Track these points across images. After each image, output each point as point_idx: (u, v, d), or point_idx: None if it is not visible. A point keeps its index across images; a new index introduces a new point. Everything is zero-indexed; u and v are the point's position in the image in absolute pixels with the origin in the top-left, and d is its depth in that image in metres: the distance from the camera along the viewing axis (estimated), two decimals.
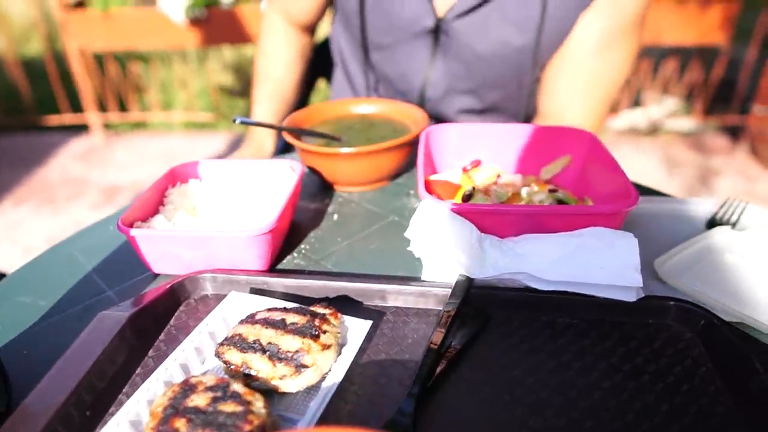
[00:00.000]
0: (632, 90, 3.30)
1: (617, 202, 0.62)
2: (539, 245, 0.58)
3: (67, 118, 3.39)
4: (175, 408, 0.43)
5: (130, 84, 3.43)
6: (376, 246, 0.70)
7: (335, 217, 0.77)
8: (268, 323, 0.50)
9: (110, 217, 0.79)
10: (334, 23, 1.25)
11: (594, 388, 0.49)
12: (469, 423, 0.47)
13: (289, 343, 0.48)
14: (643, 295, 0.55)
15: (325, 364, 0.48)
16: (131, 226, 0.64)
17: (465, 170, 0.78)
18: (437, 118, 1.18)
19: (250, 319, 0.52)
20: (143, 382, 0.48)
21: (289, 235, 0.73)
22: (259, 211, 0.69)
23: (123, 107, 3.49)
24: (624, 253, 0.55)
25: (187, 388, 0.45)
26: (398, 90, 1.14)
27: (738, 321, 0.56)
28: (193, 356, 0.52)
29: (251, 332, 0.50)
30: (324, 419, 0.45)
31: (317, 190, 0.84)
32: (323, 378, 0.49)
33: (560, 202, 0.67)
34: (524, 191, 0.69)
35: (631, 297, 0.54)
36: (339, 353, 0.50)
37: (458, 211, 0.60)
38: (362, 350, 0.53)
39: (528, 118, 1.18)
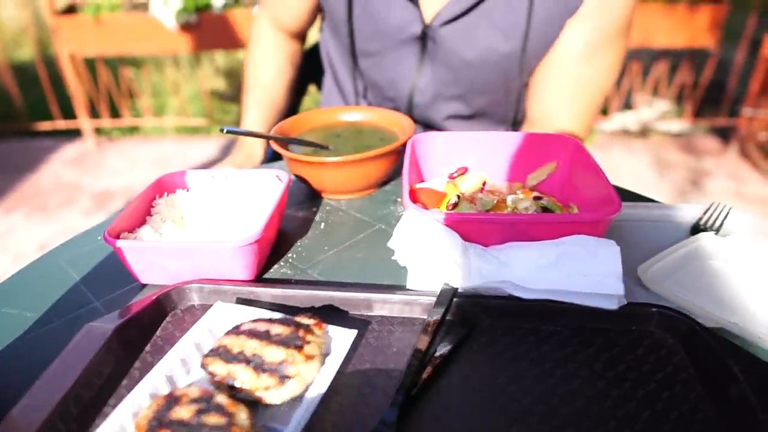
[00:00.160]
0: (623, 92, 3.32)
1: (601, 210, 0.63)
2: (522, 253, 0.59)
3: (59, 123, 3.38)
4: (160, 420, 0.43)
5: (122, 89, 3.42)
6: (362, 255, 0.70)
7: (322, 225, 0.77)
8: (252, 334, 0.51)
9: (98, 226, 0.80)
10: (322, 30, 1.25)
11: (576, 395, 0.50)
12: (452, 431, 0.47)
13: (273, 354, 0.48)
14: (625, 303, 0.56)
15: (309, 374, 0.48)
16: (118, 236, 0.64)
17: (452, 177, 0.78)
18: (426, 124, 1.18)
19: (235, 330, 0.52)
20: (129, 393, 0.48)
21: (277, 243, 0.73)
22: (247, 220, 0.69)
23: (115, 112, 3.48)
24: (606, 261, 0.56)
25: (172, 400, 0.45)
26: (387, 96, 1.15)
27: (719, 327, 0.57)
28: (178, 368, 0.52)
29: (236, 343, 0.50)
30: (308, 430, 0.46)
31: (305, 198, 0.85)
32: (307, 388, 0.49)
33: (545, 209, 0.67)
34: (510, 199, 0.70)
35: (612, 305, 0.55)
36: (323, 363, 0.50)
37: (441, 221, 0.61)
38: (347, 360, 0.54)
39: (516, 124, 1.19)
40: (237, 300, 0.62)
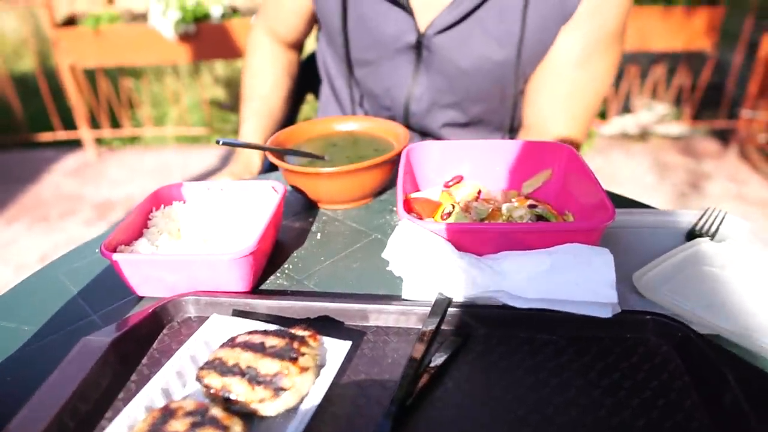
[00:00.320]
0: (622, 96, 3.32)
1: (595, 218, 0.63)
2: (516, 262, 0.59)
3: (60, 134, 3.40)
4: None
5: (122, 99, 3.43)
6: (358, 265, 0.70)
7: (318, 235, 0.77)
8: (247, 346, 0.51)
9: (96, 239, 0.80)
10: (319, 40, 1.26)
11: (571, 404, 0.50)
12: None
13: (267, 366, 0.49)
14: (619, 311, 0.56)
15: (304, 386, 0.49)
16: (115, 250, 0.65)
17: (447, 186, 0.78)
18: (422, 132, 1.19)
19: (230, 343, 0.52)
20: (125, 407, 0.49)
21: (273, 254, 0.73)
22: (243, 232, 0.70)
23: (115, 123, 3.50)
24: (600, 270, 0.56)
25: (167, 413, 0.46)
26: (383, 105, 1.16)
27: (714, 333, 0.57)
28: (174, 380, 0.52)
29: (231, 356, 0.50)
30: None
31: (301, 208, 0.85)
32: (302, 400, 0.49)
33: (540, 217, 0.68)
34: (505, 207, 0.70)
35: (606, 313, 0.55)
36: (318, 375, 0.50)
37: (435, 231, 0.61)
38: (342, 371, 0.54)
39: (513, 130, 1.19)
40: (233, 312, 0.62)
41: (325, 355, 0.53)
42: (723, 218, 0.75)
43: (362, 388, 0.52)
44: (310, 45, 1.32)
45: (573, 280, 0.56)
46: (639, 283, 0.63)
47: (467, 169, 0.80)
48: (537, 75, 1.05)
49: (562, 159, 0.77)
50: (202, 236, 0.70)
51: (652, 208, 0.82)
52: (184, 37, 2.90)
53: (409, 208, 0.71)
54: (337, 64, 1.19)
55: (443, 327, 0.59)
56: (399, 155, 0.78)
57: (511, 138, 1.20)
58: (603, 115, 3.38)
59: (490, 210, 0.70)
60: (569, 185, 0.75)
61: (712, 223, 0.75)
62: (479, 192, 0.76)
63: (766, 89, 2.91)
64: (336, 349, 0.53)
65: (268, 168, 1.18)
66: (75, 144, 3.46)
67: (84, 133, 3.34)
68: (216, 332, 0.57)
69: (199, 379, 0.50)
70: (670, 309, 0.60)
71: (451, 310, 0.58)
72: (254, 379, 0.48)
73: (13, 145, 3.51)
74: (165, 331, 0.61)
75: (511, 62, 1.01)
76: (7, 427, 0.46)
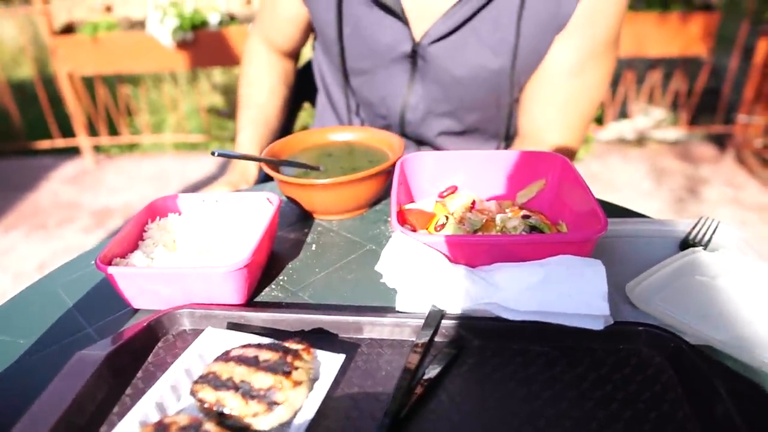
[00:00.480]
0: (618, 101, 3.34)
1: (587, 229, 0.63)
2: (509, 274, 0.59)
3: (58, 141, 3.40)
4: None
5: (120, 107, 3.44)
6: (353, 276, 0.71)
7: (314, 246, 0.78)
8: (241, 360, 0.51)
9: (92, 251, 0.80)
10: (315, 48, 1.27)
11: (564, 417, 0.50)
12: None
13: (261, 380, 0.49)
14: (611, 323, 0.56)
15: (297, 400, 0.49)
16: (110, 262, 0.65)
17: (441, 196, 0.79)
18: (418, 141, 1.19)
19: (224, 357, 0.52)
20: (119, 421, 0.49)
21: (268, 266, 0.74)
22: (238, 243, 0.70)
23: (113, 130, 3.50)
24: (592, 281, 0.56)
25: (161, 428, 0.46)
26: (379, 113, 1.16)
27: (706, 344, 0.57)
28: (168, 395, 0.52)
29: (225, 370, 0.51)
30: None
31: (296, 219, 0.85)
32: (296, 414, 0.49)
33: (533, 228, 0.68)
34: (498, 218, 0.70)
35: (599, 325, 0.55)
36: (311, 389, 0.51)
37: (428, 243, 0.61)
38: (336, 384, 0.54)
39: (509, 139, 1.20)
40: (228, 324, 0.62)
41: (319, 369, 0.53)
42: (716, 227, 0.76)
43: (356, 401, 0.52)
44: (307, 53, 1.33)
45: (566, 291, 0.56)
46: (632, 293, 0.63)
47: (462, 179, 0.81)
48: (532, 84, 1.06)
49: (556, 169, 0.77)
50: (197, 248, 0.70)
51: (647, 217, 0.82)
52: (182, 45, 2.91)
53: (403, 219, 0.71)
54: (332, 73, 1.20)
55: (437, 339, 0.59)
56: (393, 166, 0.78)
57: (507, 146, 1.20)
58: (600, 120, 3.39)
59: (483, 221, 0.70)
60: (563, 195, 0.75)
61: (705, 233, 0.75)
62: (473, 202, 0.76)
63: (762, 94, 2.93)
64: (330, 363, 0.53)
65: (265, 177, 1.18)
66: (73, 151, 3.47)
67: (82, 140, 3.35)
68: (210, 345, 0.57)
69: (193, 393, 0.50)
70: (662, 320, 0.60)
71: (444, 322, 0.59)
72: (248, 393, 0.48)
73: (11, 152, 3.52)
74: (160, 344, 0.61)
75: (506, 71, 1.02)
76: None
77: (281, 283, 0.71)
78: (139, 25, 3.05)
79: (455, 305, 0.59)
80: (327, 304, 0.66)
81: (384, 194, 0.87)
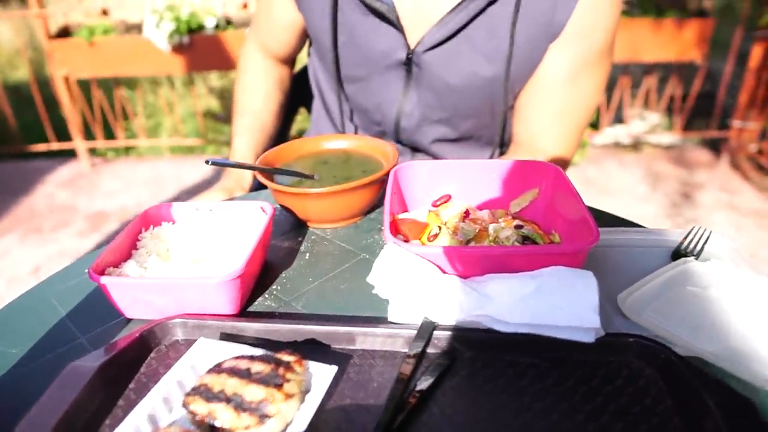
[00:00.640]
0: (614, 106, 3.35)
1: (579, 239, 0.64)
2: (501, 286, 0.59)
3: (54, 145, 3.39)
4: None
5: (116, 110, 3.44)
6: (346, 285, 0.71)
7: (307, 255, 0.78)
8: (233, 372, 0.51)
9: (84, 259, 0.80)
10: (310, 55, 1.27)
11: (555, 429, 0.50)
12: None
13: (253, 392, 0.49)
14: (602, 335, 0.57)
15: (289, 412, 0.49)
16: (103, 272, 0.65)
17: (435, 205, 0.79)
18: (413, 148, 1.20)
19: (217, 369, 0.52)
20: None
21: (262, 275, 0.74)
22: (232, 252, 0.70)
23: (109, 133, 3.50)
24: (583, 294, 0.56)
25: None
26: (374, 120, 1.16)
27: (697, 356, 0.57)
28: (160, 406, 0.52)
29: (217, 382, 0.51)
30: None
31: (290, 227, 0.85)
32: (287, 427, 0.49)
33: (526, 238, 0.68)
34: (491, 228, 0.71)
35: (590, 338, 0.55)
36: (303, 401, 0.51)
37: (420, 254, 0.61)
38: (328, 395, 0.54)
39: (503, 146, 1.20)
40: (221, 335, 0.62)
41: (311, 380, 0.53)
42: (708, 237, 0.76)
43: (347, 413, 0.52)
44: (303, 57, 1.33)
45: (557, 304, 0.56)
46: (624, 304, 0.63)
47: (455, 188, 0.81)
48: (526, 92, 1.06)
49: (549, 178, 0.77)
50: (191, 257, 0.70)
51: (640, 226, 0.83)
52: (178, 49, 2.91)
53: (396, 229, 0.71)
54: (327, 80, 1.20)
55: (429, 350, 0.59)
56: (387, 175, 0.79)
57: (502, 153, 1.21)
58: (595, 125, 3.40)
59: (477, 231, 0.71)
60: (556, 204, 0.75)
61: (697, 243, 0.75)
62: (467, 211, 0.76)
63: (757, 99, 2.94)
64: (322, 374, 0.53)
65: (260, 184, 1.19)
66: (69, 155, 3.46)
67: (78, 143, 3.34)
68: (203, 356, 0.57)
69: (185, 405, 0.50)
70: (654, 331, 0.60)
71: (436, 333, 0.59)
72: (240, 405, 0.48)
73: (6, 155, 3.51)
74: (152, 354, 0.61)
75: (500, 79, 1.02)
76: None
77: (274, 292, 0.71)
78: (136, 28, 3.04)
79: (447, 316, 0.59)
80: (320, 314, 0.66)
81: (378, 202, 0.87)
